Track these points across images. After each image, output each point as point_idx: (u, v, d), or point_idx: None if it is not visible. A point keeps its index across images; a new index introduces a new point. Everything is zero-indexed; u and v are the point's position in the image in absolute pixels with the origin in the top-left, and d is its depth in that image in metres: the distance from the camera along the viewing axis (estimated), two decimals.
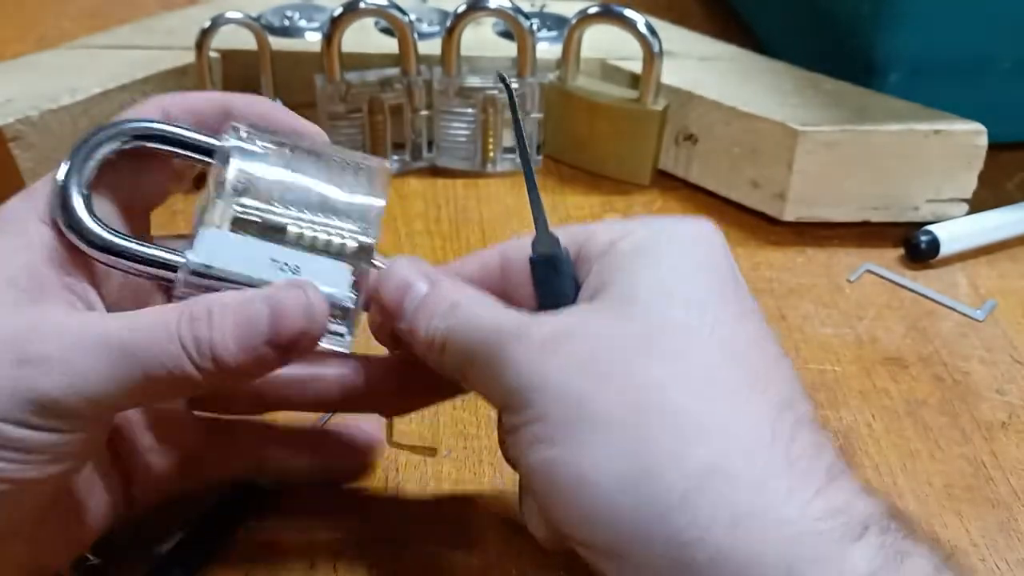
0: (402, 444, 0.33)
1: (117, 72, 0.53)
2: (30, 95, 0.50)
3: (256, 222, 0.27)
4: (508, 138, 0.56)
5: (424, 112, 0.55)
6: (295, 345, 0.25)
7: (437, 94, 0.54)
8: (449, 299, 0.27)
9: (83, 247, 0.26)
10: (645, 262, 0.25)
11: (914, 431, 0.40)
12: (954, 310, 0.47)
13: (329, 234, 0.28)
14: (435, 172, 0.57)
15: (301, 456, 0.34)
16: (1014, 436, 0.39)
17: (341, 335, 0.28)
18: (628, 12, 0.51)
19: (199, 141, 0.28)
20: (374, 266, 0.28)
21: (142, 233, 0.30)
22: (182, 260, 0.27)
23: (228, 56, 0.56)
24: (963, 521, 0.36)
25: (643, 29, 0.51)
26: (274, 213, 0.28)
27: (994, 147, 0.49)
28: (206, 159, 0.28)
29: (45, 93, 0.50)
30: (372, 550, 0.34)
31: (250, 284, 0.27)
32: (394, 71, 0.54)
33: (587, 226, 0.28)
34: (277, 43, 0.55)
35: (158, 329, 0.24)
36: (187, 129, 0.28)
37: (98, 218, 0.27)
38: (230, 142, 0.28)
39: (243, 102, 0.29)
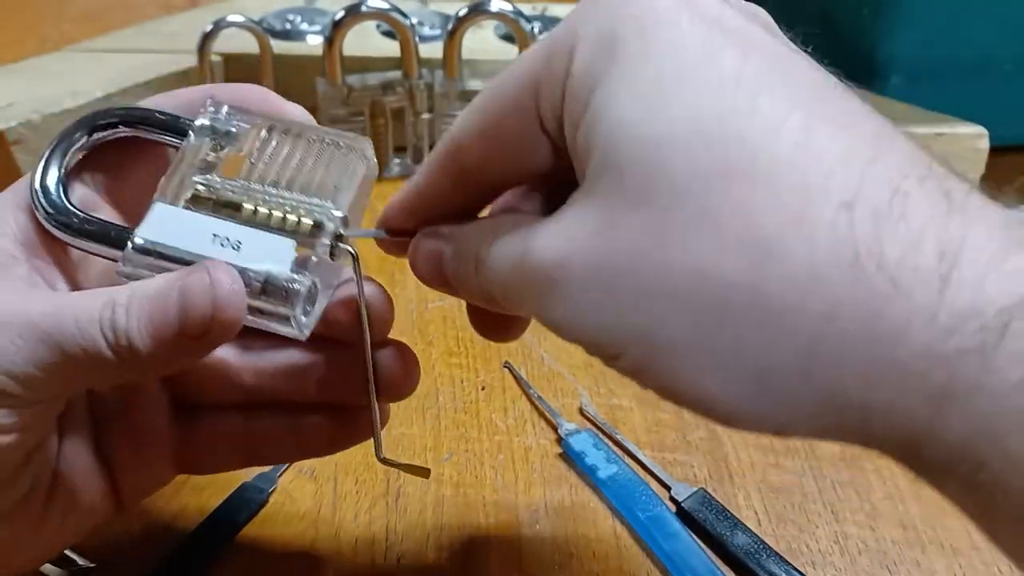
0: (393, 462, 0.30)
1: (119, 76, 0.53)
2: (32, 99, 0.50)
3: (211, 199, 0.26)
4: None
5: (426, 115, 0.55)
6: (207, 333, 0.23)
7: (439, 97, 0.54)
8: (471, 258, 0.24)
9: (43, 221, 0.26)
10: (606, 109, 0.20)
11: None
12: None
13: (285, 211, 0.26)
14: None
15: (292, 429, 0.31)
16: None
17: (286, 318, 0.25)
18: None
19: (181, 124, 0.28)
20: (338, 245, 0.26)
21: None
22: (129, 238, 0.26)
23: (230, 60, 0.56)
24: (965, 524, 0.35)
25: None
26: (231, 189, 0.26)
27: (996, 150, 0.49)
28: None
29: (47, 97, 0.50)
30: (373, 553, 0.34)
31: (189, 262, 0.25)
32: (396, 74, 0.54)
33: (534, 60, 0.22)
34: (279, 46, 0.56)
35: (81, 313, 0.24)
36: (168, 113, 0.28)
37: (66, 197, 0.26)
38: (199, 120, 0.27)
39: (229, 90, 0.28)
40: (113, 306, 0.24)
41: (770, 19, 0.22)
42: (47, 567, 0.32)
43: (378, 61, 0.55)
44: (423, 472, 0.30)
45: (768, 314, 0.18)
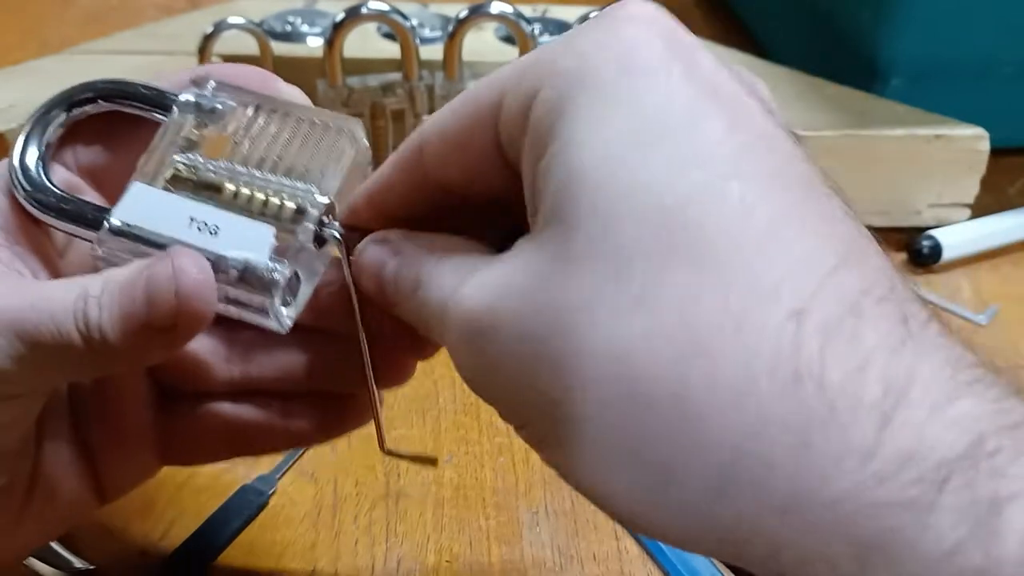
0: (398, 452, 0.28)
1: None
2: (32, 100, 0.49)
3: (191, 179, 0.25)
4: None
5: (426, 117, 0.55)
6: (174, 326, 0.22)
7: (439, 99, 0.54)
8: (415, 272, 0.23)
9: (21, 200, 0.25)
10: (567, 151, 0.18)
11: None
12: (957, 315, 0.47)
13: (268, 194, 0.24)
14: None
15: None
16: None
17: (264, 309, 0.24)
18: None
19: (166, 99, 0.26)
20: (323, 227, 0.25)
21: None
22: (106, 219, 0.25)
23: (230, 61, 0.56)
24: None
25: None
26: (212, 170, 0.25)
27: (996, 152, 0.49)
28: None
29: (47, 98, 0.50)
30: (374, 555, 0.34)
31: (164, 246, 0.24)
32: (396, 76, 0.54)
33: (507, 73, 0.21)
34: (279, 48, 0.56)
35: (56, 306, 0.23)
36: (152, 87, 0.27)
37: (45, 175, 0.25)
38: (184, 95, 0.26)
39: (224, 69, 0.27)
40: (86, 298, 0.23)
41: (767, 94, 0.21)
42: (44, 568, 0.32)
43: (378, 63, 0.55)
44: (430, 461, 0.28)
45: (688, 417, 0.17)
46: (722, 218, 0.17)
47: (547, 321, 0.18)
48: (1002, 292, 0.48)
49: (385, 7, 0.51)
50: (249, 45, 0.53)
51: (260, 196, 0.25)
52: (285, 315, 0.24)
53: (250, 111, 0.26)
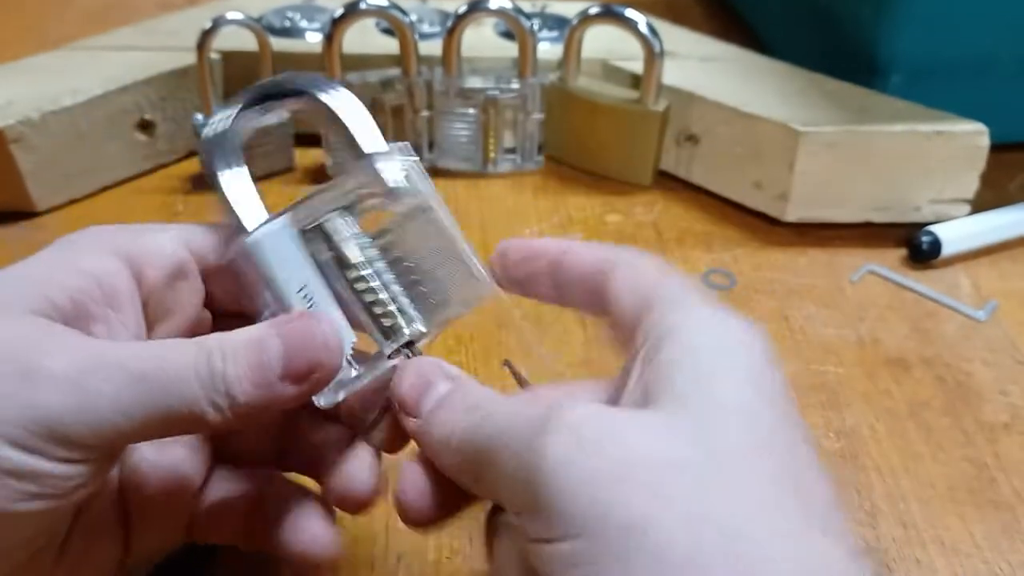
0: None
1: (118, 74, 0.53)
2: (31, 97, 0.50)
3: (328, 239, 0.26)
4: (509, 139, 0.56)
5: (425, 113, 0.55)
6: (309, 378, 0.24)
7: (438, 95, 0.54)
8: (475, 397, 0.25)
9: (204, 164, 0.27)
10: (698, 368, 0.23)
11: (916, 433, 0.39)
12: (956, 311, 0.47)
13: (379, 301, 0.26)
14: (436, 173, 0.57)
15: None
16: (1017, 437, 0.39)
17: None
18: (629, 12, 0.51)
19: (365, 134, 0.28)
20: (402, 351, 0.27)
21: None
22: (247, 231, 0.26)
23: (229, 57, 0.56)
24: (966, 523, 0.35)
25: (644, 29, 0.51)
26: (351, 244, 0.26)
27: (996, 148, 0.49)
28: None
29: (46, 95, 0.50)
30: (373, 551, 0.34)
31: (273, 298, 0.26)
32: (395, 72, 0.54)
33: (657, 286, 0.26)
34: (278, 44, 0.55)
35: (177, 360, 0.23)
36: (362, 113, 0.29)
37: (232, 150, 0.27)
38: (385, 148, 0.27)
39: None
40: (209, 352, 0.23)
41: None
42: None
43: (377, 59, 0.55)
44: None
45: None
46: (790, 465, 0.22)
47: (636, 455, 0.21)
48: (1001, 288, 0.48)
49: (384, 2, 0.51)
50: (248, 41, 0.53)
51: (370, 298, 0.26)
52: (327, 400, 0.26)
53: (419, 208, 0.27)
